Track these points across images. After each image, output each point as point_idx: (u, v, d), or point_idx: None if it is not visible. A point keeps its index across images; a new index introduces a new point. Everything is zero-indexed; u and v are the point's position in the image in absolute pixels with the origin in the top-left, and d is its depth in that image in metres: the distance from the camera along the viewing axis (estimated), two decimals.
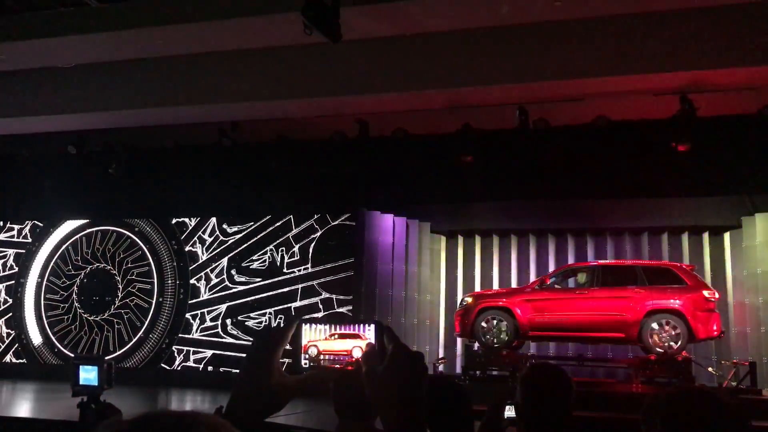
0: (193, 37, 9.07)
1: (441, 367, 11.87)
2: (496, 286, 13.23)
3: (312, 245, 12.64)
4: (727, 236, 12.56)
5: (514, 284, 13.00)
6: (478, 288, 13.23)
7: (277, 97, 9.99)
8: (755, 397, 9.50)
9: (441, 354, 13.13)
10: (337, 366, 1.31)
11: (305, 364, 1.30)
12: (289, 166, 11.89)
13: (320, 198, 12.33)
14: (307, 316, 1.35)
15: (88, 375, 4.01)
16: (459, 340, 12.69)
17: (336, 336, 1.32)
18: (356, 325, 1.31)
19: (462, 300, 11.63)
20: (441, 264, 13.83)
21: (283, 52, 9.53)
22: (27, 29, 9.11)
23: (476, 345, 11.06)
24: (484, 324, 10.86)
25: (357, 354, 1.31)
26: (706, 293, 10.33)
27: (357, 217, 12.42)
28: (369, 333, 1.30)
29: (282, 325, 1.35)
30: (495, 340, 10.77)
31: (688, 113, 9.48)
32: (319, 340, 1.32)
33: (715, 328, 10.23)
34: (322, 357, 1.32)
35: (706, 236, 12.70)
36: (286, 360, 1.33)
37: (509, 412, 3.44)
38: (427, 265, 13.48)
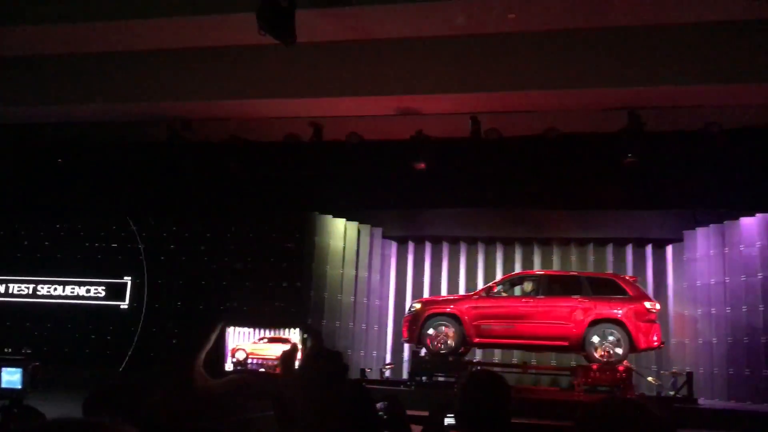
0: (146, 34, 8.91)
1: (388, 373, 11.89)
2: (444, 292, 13.33)
3: (262, 248, 12.48)
4: (669, 249, 12.94)
5: (462, 291, 13.11)
6: (427, 294, 13.31)
7: (230, 97, 9.87)
8: (692, 405, 9.77)
9: (388, 359, 13.15)
10: (263, 370, 1.29)
11: (231, 368, 1.29)
12: (240, 167, 11.75)
13: (272, 200, 12.20)
14: (232, 319, 1.32)
15: (11, 378, 3.85)
16: (406, 346, 12.74)
17: (264, 340, 1.31)
18: (285, 329, 1.30)
19: (411, 306, 11.68)
20: (391, 269, 13.87)
21: (237, 52, 9.43)
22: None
23: (423, 351, 11.11)
24: (431, 330, 10.92)
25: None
26: (647, 304, 10.59)
27: (308, 221, 12.34)
28: (297, 337, 1.29)
29: (205, 327, 1.32)
30: (442, 347, 10.83)
31: (636, 128, 9.70)
32: (246, 344, 1.30)
33: (655, 338, 10.49)
34: (249, 361, 1.30)
35: (649, 249, 13.05)
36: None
37: (449, 419, 3.46)
38: (377, 271, 13.49)
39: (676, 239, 12.70)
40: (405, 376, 11.95)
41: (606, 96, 9.15)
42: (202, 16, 8.27)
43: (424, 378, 10.66)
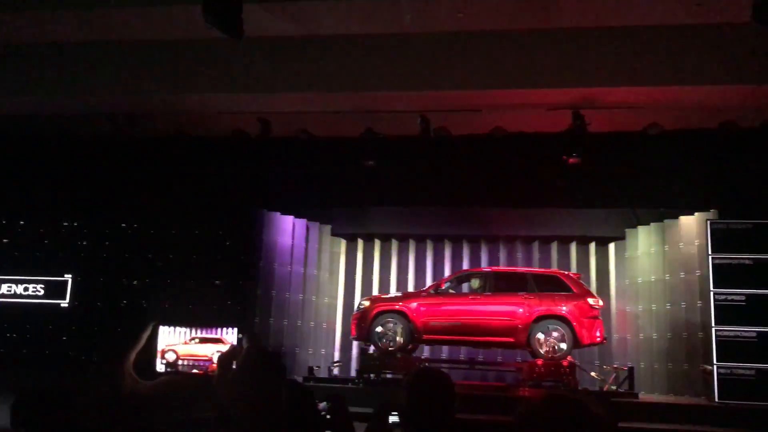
0: (91, 25, 8.66)
1: (336, 371, 11.86)
2: (393, 289, 13.36)
3: (208, 245, 12.27)
4: (612, 247, 13.25)
5: (411, 288, 13.17)
6: (376, 291, 13.33)
7: (174, 92, 9.68)
8: (632, 400, 10.02)
9: (336, 357, 13.13)
10: (196, 371, 1.26)
11: (162, 369, 1.25)
12: (186, 163, 11.55)
13: (219, 197, 12.02)
14: (166, 318, 1.28)
15: None
16: (355, 344, 12.74)
17: (196, 340, 1.27)
18: (219, 329, 1.26)
19: (359, 303, 11.67)
20: (340, 267, 13.84)
21: (183, 46, 9.27)
22: None
23: (371, 348, 11.12)
24: (380, 327, 10.94)
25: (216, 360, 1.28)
26: (591, 301, 10.82)
27: (256, 218, 12.20)
28: (232, 336, 1.26)
29: (135, 326, 1.28)
30: (390, 344, 10.86)
31: (580, 128, 9.91)
32: (177, 344, 1.26)
33: (598, 334, 10.73)
34: (180, 362, 1.26)
35: (592, 246, 13.34)
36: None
37: (394, 417, 3.46)
38: (326, 268, 13.45)
39: (619, 237, 13.02)
40: (353, 373, 11.95)
41: (551, 96, 9.31)
42: (147, 7, 8.09)
43: (372, 375, 10.67)
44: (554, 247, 13.34)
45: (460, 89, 9.11)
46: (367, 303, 11.30)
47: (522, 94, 9.17)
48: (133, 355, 1.28)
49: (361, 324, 11.07)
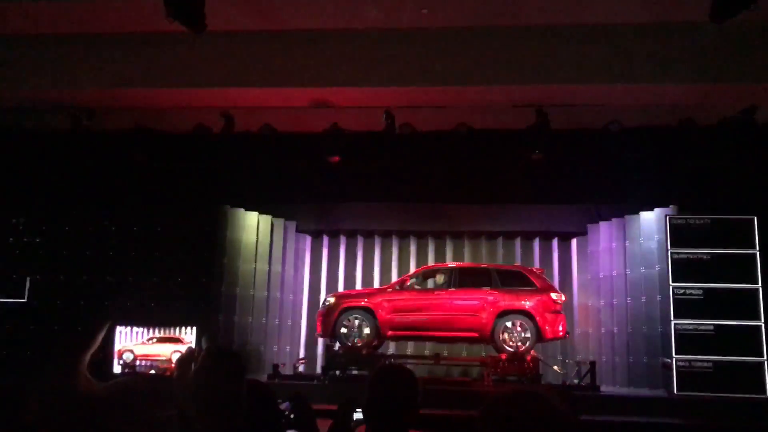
0: (48, 17, 8.46)
1: (301, 368, 11.82)
2: (359, 286, 13.35)
3: (170, 242, 12.08)
4: (574, 242, 13.43)
5: (376, 284, 13.17)
6: (341, 288, 13.30)
7: (136, 86, 9.51)
8: (594, 393, 10.18)
9: (302, 354, 13.07)
10: (154, 372, 1.23)
11: (118, 370, 1.21)
12: (148, 158, 11.36)
13: (182, 193, 11.83)
14: (123, 318, 1.24)
15: None
16: (320, 341, 12.69)
17: (154, 340, 1.24)
18: (177, 328, 1.23)
19: (325, 300, 11.64)
20: (305, 264, 13.78)
21: (145, 39, 9.11)
22: None
23: (337, 345, 11.09)
24: (345, 324, 10.93)
25: (176, 359, 1.24)
26: (554, 296, 10.95)
27: (220, 215, 12.05)
28: (191, 336, 1.23)
29: (91, 326, 1.24)
30: (356, 340, 10.86)
31: (543, 125, 10.01)
32: (135, 344, 1.23)
33: (561, 328, 10.86)
34: (138, 362, 1.23)
35: (555, 242, 13.50)
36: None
37: (358, 413, 3.45)
38: (291, 265, 13.37)
39: (581, 233, 13.19)
40: (319, 370, 11.91)
41: (515, 93, 9.39)
42: (107, 0, 7.93)
43: (337, 372, 10.65)
44: (518, 243, 13.47)
45: (426, 85, 9.13)
46: (332, 300, 11.27)
47: (486, 91, 9.22)
48: (88, 356, 1.24)
49: (327, 321, 11.04)
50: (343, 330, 10.90)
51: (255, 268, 12.50)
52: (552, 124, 10.03)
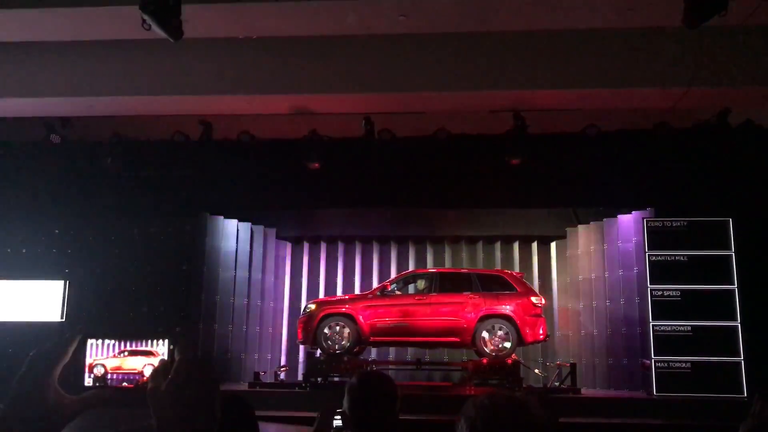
0: (22, 25, 8.36)
1: (282, 375, 11.76)
2: (340, 292, 13.33)
3: (149, 251, 11.97)
4: (553, 246, 13.53)
5: (357, 290, 13.16)
6: (322, 295, 13.27)
7: (112, 93, 9.44)
8: (575, 395, 10.24)
9: (283, 361, 13.02)
10: (126, 385, 1.22)
11: (89, 383, 1.21)
12: (125, 167, 11.28)
13: (160, 201, 11.75)
14: (92, 331, 1.22)
15: None
16: (302, 348, 12.65)
17: (126, 353, 1.23)
18: (149, 341, 1.23)
19: (305, 307, 11.60)
20: (286, 271, 13.74)
21: (120, 46, 9.05)
22: None
23: (318, 352, 11.06)
24: (326, 330, 10.89)
25: (148, 372, 1.24)
26: (534, 299, 11.01)
27: (198, 222, 11.98)
28: (163, 348, 1.23)
29: (62, 339, 1.23)
30: (337, 347, 10.83)
31: (520, 130, 10.10)
32: (106, 357, 1.22)
33: (541, 332, 10.92)
34: (109, 376, 1.22)
35: (535, 245, 13.59)
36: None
37: (337, 420, 3.45)
38: (271, 272, 13.32)
39: (560, 236, 13.29)
40: (300, 377, 11.86)
41: (492, 98, 9.46)
42: (85, 8, 7.86)
43: (319, 379, 10.61)
44: (498, 247, 13.54)
45: (404, 91, 9.17)
46: (313, 306, 11.24)
47: (463, 97, 9.28)
48: (59, 369, 1.23)
49: (308, 327, 11.00)
50: (324, 336, 10.87)
51: (235, 275, 12.44)
52: (529, 128, 10.12)
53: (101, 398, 1.23)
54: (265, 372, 11.56)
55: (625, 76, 8.78)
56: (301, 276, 13.72)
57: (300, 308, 12.61)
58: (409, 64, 9.01)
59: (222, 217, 12.35)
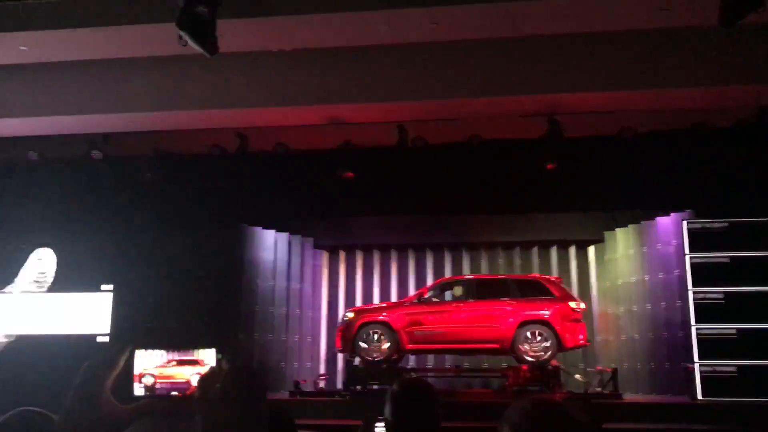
0: (61, 45, 8.61)
1: (322, 384, 11.83)
2: (377, 300, 13.38)
3: (192, 262, 12.18)
4: (591, 250, 13.38)
5: (394, 298, 13.19)
6: (359, 303, 13.33)
7: (150, 109, 9.64)
8: (617, 401, 10.10)
9: (322, 370, 13.09)
10: (175, 394, 1.27)
11: (140, 392, 1.26)
12: (165, 181, 11.50)
13: (199, 214, 11.95)
14: (140, 341, 1.27)
15: None
16: (340, 356, 12.71)
17: (174, 363, 1.28)
18: (196, 350, 1.27)
19: (343, 315, 11.67)
20: (323, 280, 13.83)
21: (157, 63, 9.24)
22: None
23: (357, 360, 11.11)
24: (365, 338, 10.94)
25: (196, 382, 1.29)
26: (572, 304, 10.91)
27: (237, 234, 12.15)
28: (211, 357, 1.27)
29: (112, 350, 1.28)
30: (375, 355, 10.86)
31: (555, 134, 10.02)
32: (155, 367, 1.27)
33: (581, 337, 10.82)
34: (158, 386, 1.27)
35: (572, 250, 13.46)
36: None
37: (380, 428, 3.48)
38: (309, 281, 13.42)
39: (598, 240, 13.15)
40: (340, 386, 11.92)
41: (526, 102, 9.41)
42: (121, 26, 8.07)
43: (358, 387, 10.65)
44: (535, 252, 13.45)
45: (437, 99, 9.18)
46: (351, 315, 11.29)
47: (497, 102, 9.25)
48: (111, 380, 1.28)
49: (346, 336, 11.06)
50: (363, 345, 10.91)
51: (273, 285, 12.57)
52: (564, 131, 10.04)
53: (151, 407, 1.29)
54: (305, 381, 11.64)
55: (660, 76, 8.66)
56: (337, 285, 13.81)
57: (338, 317, 12.68)
58: (441, 72, 9.02)
59: (260, 228, 12.50)
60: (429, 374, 11.64)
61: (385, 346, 10.88)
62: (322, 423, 8.47)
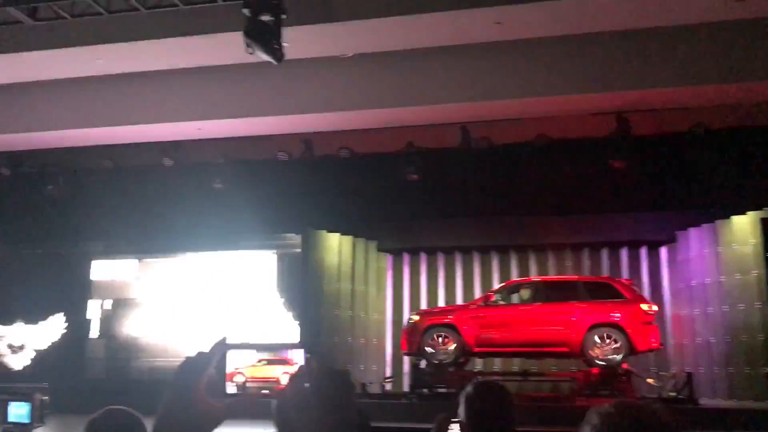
0: (134, 56, 8.93)
1: (388, 386, 11.85)
2: (442, 303, 13.32)
3: (257, 266, 12.45)
4: (663, 250, 12.99)
5: (459, 301, 13.10)
6: (424, 305, 13.29)
7: (218, 117, 9.89)
8: (693, 406, 9.77)
9: (388, 373, 13.10)
10: (266, 392, 1.29)
11: (232, 390, 1.28)
12: (233, 187, 11.75)
13: (265, 218, 12.15)
14: (232, 342, 1.29)
15: (19, 411, 3.78)
16: (406, 359, 12.70)
17: (264, 362, 1.29)
18: (284, 350, 1.29)
19: (409, 318, 11.65)
20: (387, 282, 13.86)
21: (226, 71, 9.46)
22: None
23: (423, 363, 11.07)
24: (430, 341, 10.89)
25: (286, 380, 1.30)
26: (644, 306, 10.60)
27: (303, 237, 12.31)
28: (298, 357, 1.28)
29: (206, 350, 1.31)
30: (442, 358, 10.80)
31: (624, 131, 9.79)
32: (245, 366, 1.29)
33: (653, 340, 10.50)
34: (249, 384, 1.29)
35: (643, 251, 13.09)
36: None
37: (454, 430, 3.45)
38: (373, 284, 13.48)
39: (670, 240, 12.75)
40: (406, 388, 11.91)
41: (594, 101, 9.23)
42: (190, 37, 8.31)
43: (425, 390, 10.62)
44: (604, 253, 13.14)
45: (501, 99, 9.10)
46: (416, 317, 11.27)
47: (564, 100, 9.11)
48: (205, 378, 1.31)
49: (412, 339, 11.04)
50: (429, 347, 10.86)
51: (339, 288, 12.67)
52: (633, 129, 9.80)
53: (243, 405, 1.31)
54: (371, 383, 11.68)
55: (735, 70, 8.36)
56: (402, 287, 13.81)
57: (402, 319, 12.68)
58: (506, 71, 8.94)
59: (324, 231, 12.62)
60: (496, 378, 11.52)
61: (452, 349, 10.80)
62: (388, 426, 8.47)
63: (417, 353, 11.06)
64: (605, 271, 12.77)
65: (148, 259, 13.17)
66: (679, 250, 12.59)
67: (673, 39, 8.40)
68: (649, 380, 11.11)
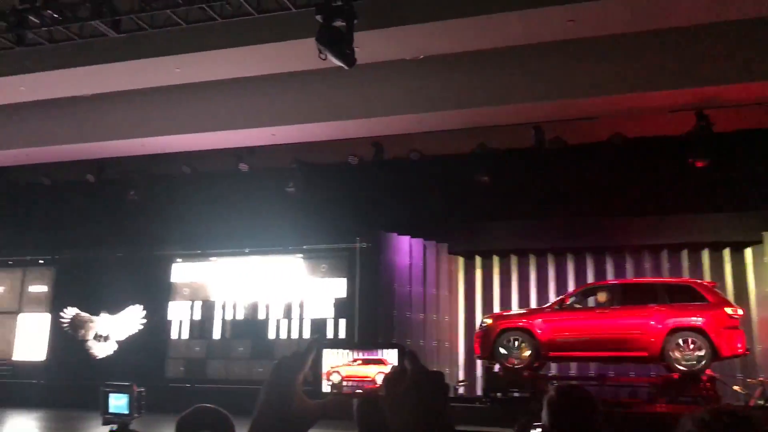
0: (210, 65, 9.19)
1: (461, 390, 11.77)
2: (515, 306, 13.14)
3: (330, 268, 12.62)
4: (748, 252, 12.42)
5: (533, 304, 12.90)
6: (497, 309, 13.15)
7: (290, 122, 10.07)
8: None
9: (461, 376, 13.02)
10: (360, 392, 1.29)
11: (327, 389, 1.29)
12: (305, 190, 11.95)
13: (337, 221, 12.31)
14: (328, 341, 1.30)
15: (118, 403, 4.00)
16: (479, 362, 12.58)
17: (359, 361, 1.30)
18: (378, 350, 1.29)
19: (482, 321, 11.54)
20: (459, 285, 13.78)
21: (298, 78, 9.63)
22: (45, 61, 9.27)
23: (497, 366, 10.94)
24: (504, 345, 10.76)
25: (380, 380, 1.30)
26: (728, 310, 10.17)
27: (374, 240, 12.40)
28: (392, 357, 1.28)
29: (303, 348, 1.34)
30: (516, 362, 10.65)
31: (705, 129, 9.44)
32: (341, 365, 1.31)
33: (739, 345, 10.06)
34: (344, 383, 1.30)
35: (726, 252, 12.57)
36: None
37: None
38: (445, 287, 13.43)
39: (755, 241, 12.19)
40: (479, 392, 11.80)
41: (672, 97, 8.94)
42: (264, 44, 8.49)
43: (499, 394, 10.49)
44: (684, 255, 12.68)
45: (575, 97, 8.93)
46: (489, 321, 11.15)
47: (641, 98, 8.86)
48: (301, 377, 1.33)
49: (485, 342, 10.93)
50: (503, 351, 10.73)
51: (410, 290, 12.69)
52: (714, 126, 9.43)
53: (339, 404, 1.32)
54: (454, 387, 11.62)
55: None
56: (474, 290, 13.70)
57: (475, 322, 12.58)
58: (579, 69, 8.76)
59: (396, 234, 12.66)
60: (576, 384, 11.25)
61: (526, 353, 10.63)
62: (464, 430, 8.40)
63: (490, 357, 10.94)
64: (686, 274, 12.32)
65: (224, 261, 13.52)
66: (765, 252, 12.03)
67: (754, 32, 8.05)
68: (735, 387, 10.66)
